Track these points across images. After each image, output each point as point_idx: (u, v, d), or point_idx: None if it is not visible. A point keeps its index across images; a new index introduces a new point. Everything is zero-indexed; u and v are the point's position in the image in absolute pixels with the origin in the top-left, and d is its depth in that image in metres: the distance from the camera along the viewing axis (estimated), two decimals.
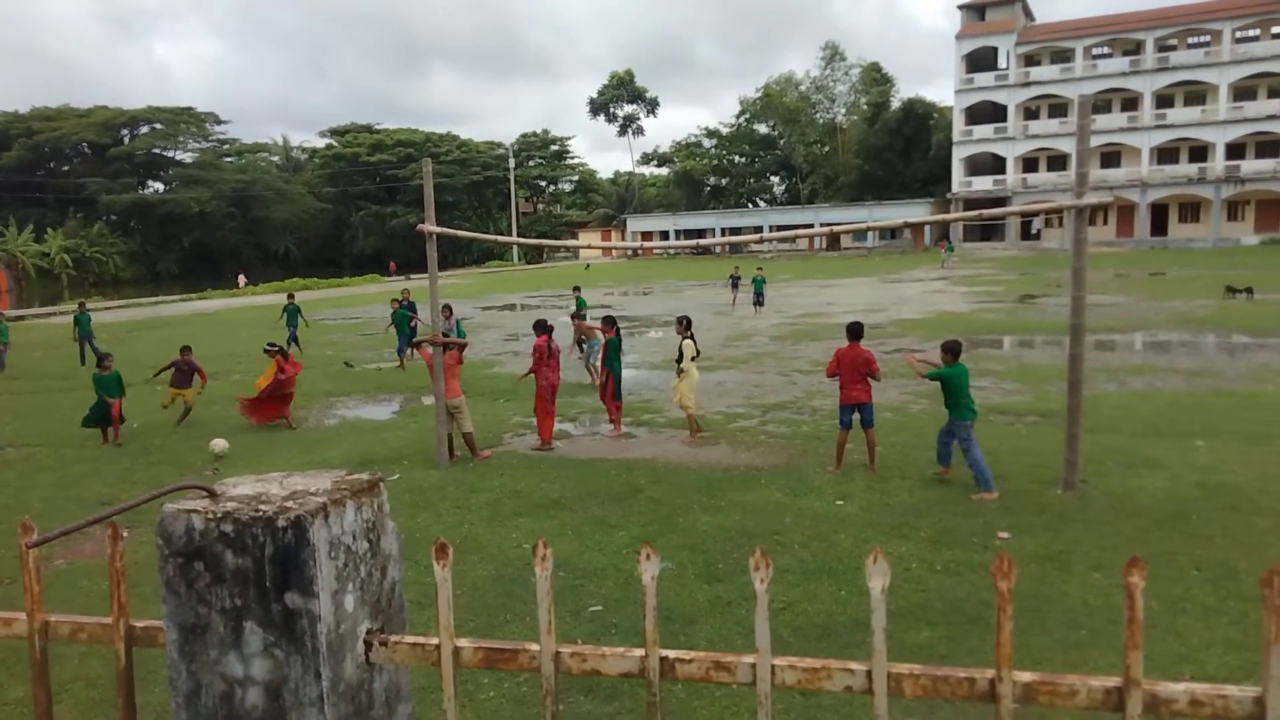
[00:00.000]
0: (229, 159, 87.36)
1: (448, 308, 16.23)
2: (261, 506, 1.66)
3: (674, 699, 4.63)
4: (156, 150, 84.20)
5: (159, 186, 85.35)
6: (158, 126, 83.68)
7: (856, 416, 9.22)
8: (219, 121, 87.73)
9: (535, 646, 1.69)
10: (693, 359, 11.06)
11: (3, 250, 67.36)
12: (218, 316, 33.69)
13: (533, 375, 11.05)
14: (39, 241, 70.51)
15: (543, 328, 11.24)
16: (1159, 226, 61.83)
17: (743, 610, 5.82)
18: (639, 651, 1.67)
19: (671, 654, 1.66)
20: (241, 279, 58.05)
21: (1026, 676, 1.51)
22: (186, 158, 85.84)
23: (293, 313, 21.31)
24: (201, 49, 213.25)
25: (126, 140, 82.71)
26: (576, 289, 20.18)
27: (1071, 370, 8.31)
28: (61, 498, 9.26)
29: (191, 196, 77.92)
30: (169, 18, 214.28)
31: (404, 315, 18.47)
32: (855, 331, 9.43)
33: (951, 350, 8.70)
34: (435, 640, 1.72)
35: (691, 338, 11.17)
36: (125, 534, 1.88)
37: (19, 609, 1.95)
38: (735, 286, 30.13)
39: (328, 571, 1.65)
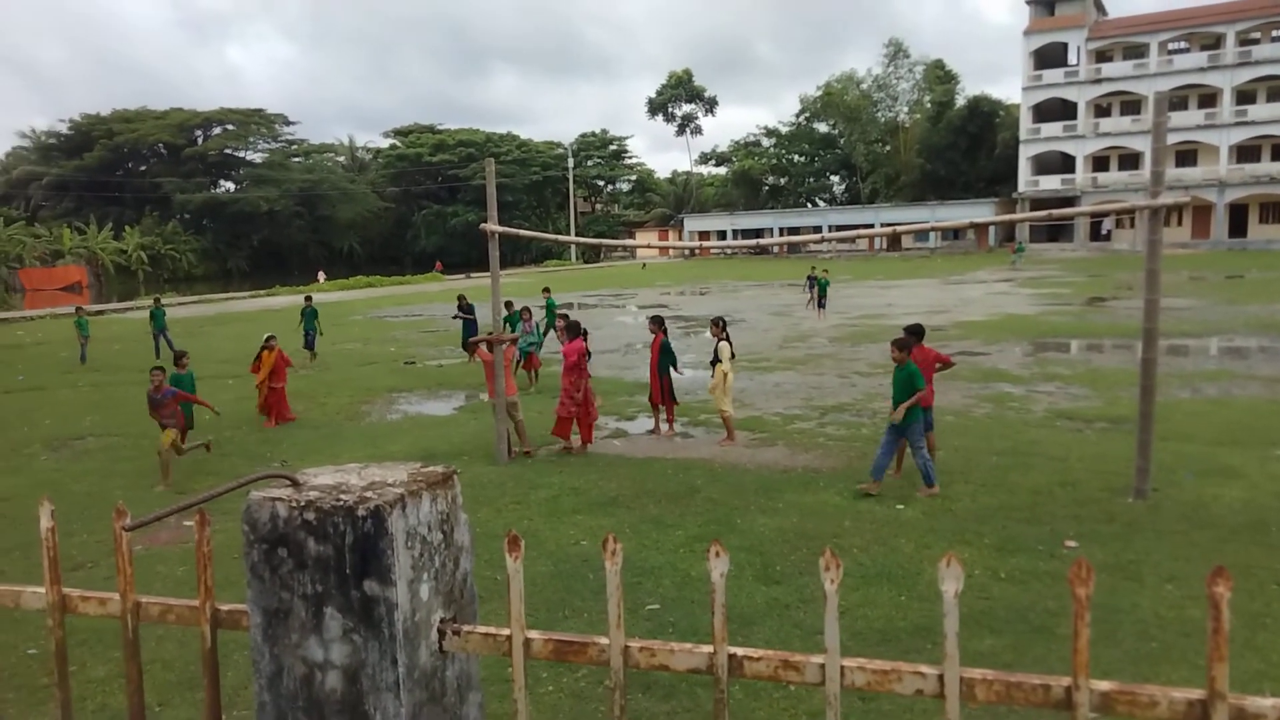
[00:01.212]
0: (297, 159, 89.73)
1: (527, 310, 16.35)
2: (342, 496, 1.71)
3: (731, 700, 4.62)
4: (228, 151, 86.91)
5: (230, 186, 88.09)
6: (230, 128, 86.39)
7: None
8: (288, 123, 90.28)
9: (604, 640, 1.71)
10: (730, 360, 10.95)
11: (84, 247, 70.20)
12: (285, 313, 34.58)
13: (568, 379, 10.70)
14: (117, 239, 73.39)
15: (577, 330, 11.15)
16: (1238, 227, 59.55)
17: (801, 613, 5.78)
18: (707, 648, 1.68)
19: (740, 651, 1.67)
20: (321, 275, 59.70)
21: (1104, 685, 1.48)
22: (257, 158, 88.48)
23: (310, 316, 19.80)
24: (272, 52, 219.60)
25: (200, 141, 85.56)
26: (546, 290, 19.96)
27: (1144, 375, 8.07)
28: (138, 487, 9.62)
29: (261, 196, 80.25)
30: (241, 22, 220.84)
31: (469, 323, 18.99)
32: (920, 332, 9.25)
33: (904, 346, 8.50)
34: (507, 631, 1.75)
35: (727, 339, 11.04)
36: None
37: (100, 591, 2.04)
38: (812, 286, 28.65)
39: (404, 560, 1.69)
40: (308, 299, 20.97)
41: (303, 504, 1.71)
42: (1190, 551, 6.65)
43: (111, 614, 1.96)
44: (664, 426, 11.62)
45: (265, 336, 13.71)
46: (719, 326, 11.17)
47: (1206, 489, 8.16)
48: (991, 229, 65.81)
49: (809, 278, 29.22)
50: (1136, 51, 63.72)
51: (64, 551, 7.42)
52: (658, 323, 11.80)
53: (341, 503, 1.69)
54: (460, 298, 19.77)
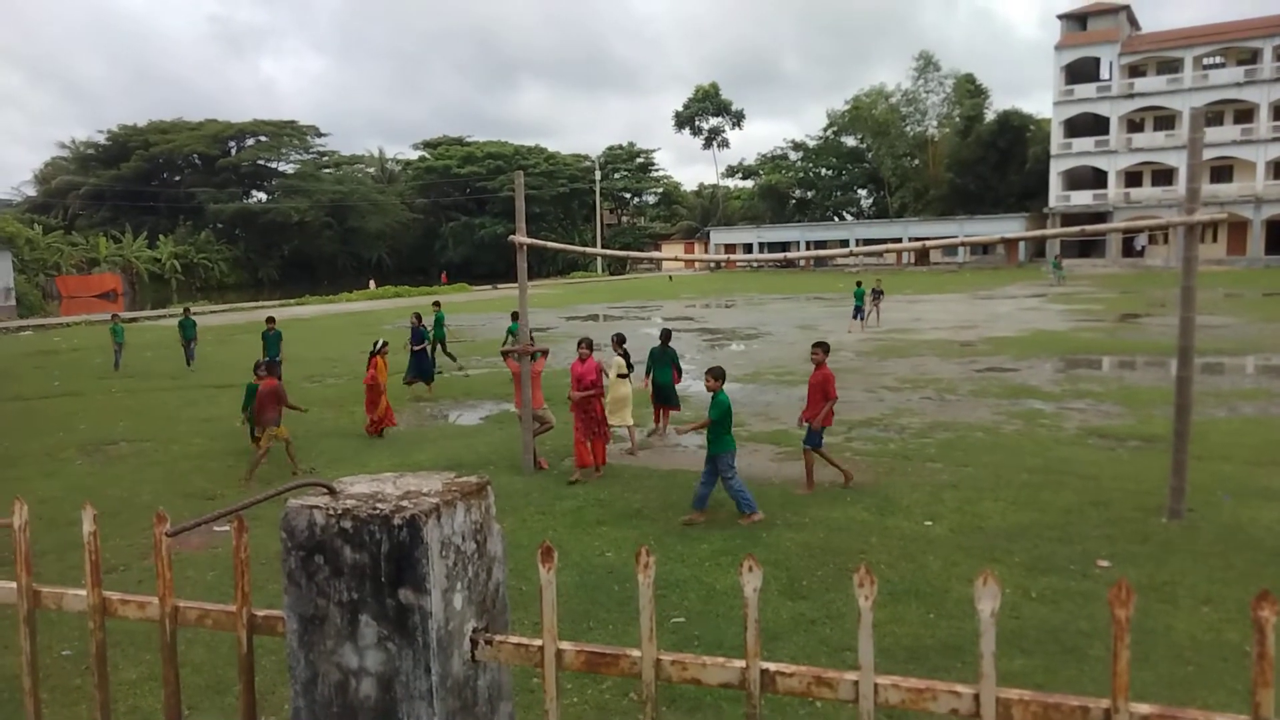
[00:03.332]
0: (328, 170, 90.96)
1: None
2: (379, 505, 1.73)
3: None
4: (261, 161, 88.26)
5: (262, 196, 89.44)
6: (262, 139, 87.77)
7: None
8: (319, 134, 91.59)
9: (636, 652, 1.71)
10: (620, 375, 11.25)
11: (119, 256, 71.50)
12: (314, 322, 35.01)
13: (576, 399, 10.19)
14: (151, 248, 74.70)
15: (590, 345, 10.55)
16: (1275, 244, 58.54)
17: (827, 629, 5.74)
18: (739, 662, 1.68)
19: (772, 667, 1.67)
20: (372, 283, 60.69)
21: (1144, 709, 1.46)
22: (288, 169, 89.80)
23: (273, 341, 17.24)
24: (305, 64, 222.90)
25: (233, 152, 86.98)
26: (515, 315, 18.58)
27: (1179, 394, 7.95)
28: (169, 492, 9.74)
29: (292, 206, 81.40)
30: (276, 35, 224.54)
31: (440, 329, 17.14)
32: (827, 349, 9.59)
33: (719, 376, 8.34)
34: (538, 642, 1.76)
35: (623, 355, 11.43)
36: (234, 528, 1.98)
37: (136, 594, 2.07)
38: (877, 300, 27.57)
39: (439, 570, 1.71)
40: (269, 321, 18.10)
41: (340, 512, 1.73)
42: (1227, 574, 6.53)
43: (150, 618, 1.98)
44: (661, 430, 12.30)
45: (379, 342, 13.26)
46: (616, 342, 11.75)
47: (1244, 510, 8.01)
48: (1021, 244, 65.21)
49: (874, 290, 27.64)
50: (1170, 66, 63.01)
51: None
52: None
53: (378, 511, 1.71)
54: (415, 317, 17.24)
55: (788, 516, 8.18)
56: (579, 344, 10.64)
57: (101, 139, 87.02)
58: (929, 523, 7.90)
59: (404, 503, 1.74)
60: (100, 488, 9.97)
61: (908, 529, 7.76)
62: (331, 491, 1.82)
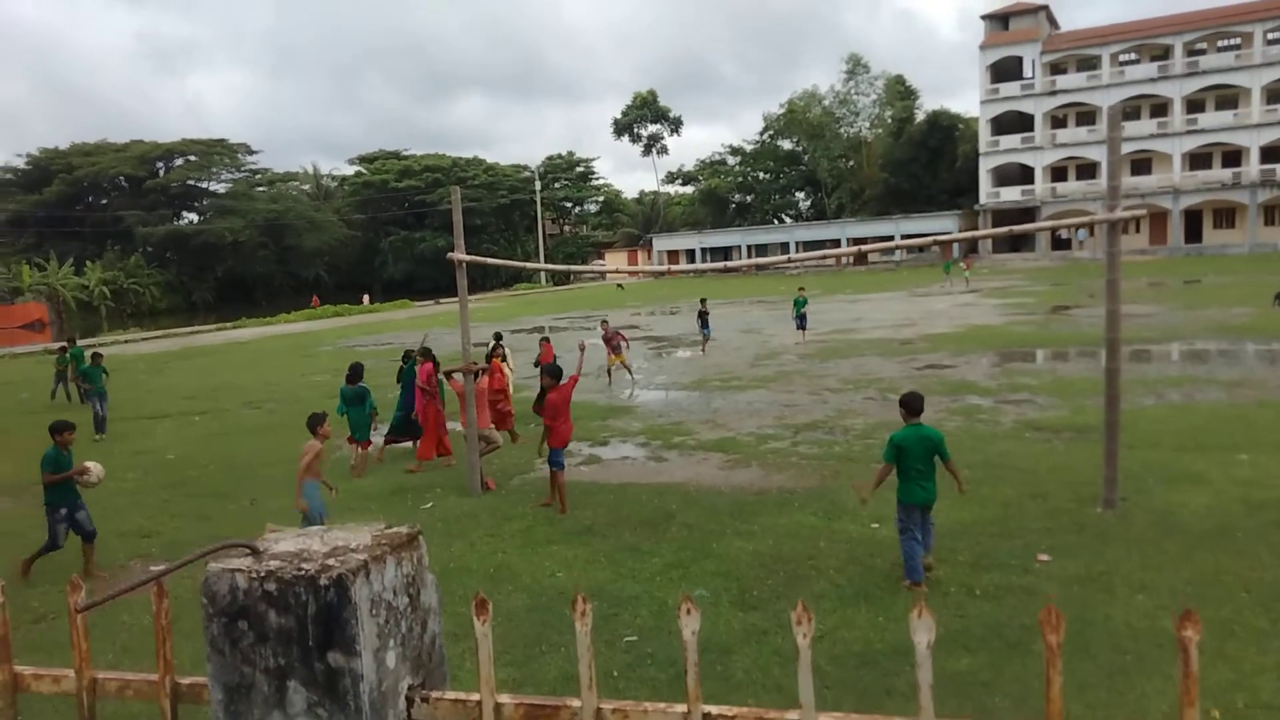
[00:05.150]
0: (261, 189, 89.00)
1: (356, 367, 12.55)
2: (304, 565, 1.68)
3: None
4: (191, 182, 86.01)
5: (193, 218, 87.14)
6: (192, 158, 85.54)
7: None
8: (251, 152, 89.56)
9: (577, 703, 1.69)
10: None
11: (44, 284, 68.95)
12: (251, 345, 34.19)
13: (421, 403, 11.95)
14: (78, 274, 72.17)
15: (429, 355, 12.61)
16: (1193, 233, 60.91)
17: (779, 639, 5.76)
18: (681, 707, 1.66)
19: (714, 710, 1.65)
20: (315, 300, 59.86)
21: None
22: (220, 188, 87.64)
23: (94, 374, 15.41)
24: (234, 81, 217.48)
25: (162, 173, 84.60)
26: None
27: (1108, 385, 8.19)
28: (104, 530, 9.36)
29: (225, 227, 79.43)
30: (203, 51, 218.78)
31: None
32: (559, 373, 9.58)
33: (318, 422, 8.16)
34: (476, 696, 1.72)
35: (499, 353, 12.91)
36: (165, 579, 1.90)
37: (64, 645, 1.98)
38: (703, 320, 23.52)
39: (369, 629, 1.66)
40: (96, 357, 15.84)
41: (263, 574, 1.67)
42: (1160, 560, 6.74)
43: (67, 692, 1.90)
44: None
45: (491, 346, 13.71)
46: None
47: (1174, 496, 8.28)
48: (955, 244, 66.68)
49: (701, 312, 23.67)
50: (1089, 63, 65.19)
51: (24, 603, 7.20)
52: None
53: (303, 572, 1.66)
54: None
55: (737, 525, 8.21)
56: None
57: (21, 163, 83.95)
58: (875, 525, 8.00)
59: (330, 561, 1.69)
60: (28, 531, 9.56)
61: (855, 532, 7.85)
62: (255, 552, 1.75)
